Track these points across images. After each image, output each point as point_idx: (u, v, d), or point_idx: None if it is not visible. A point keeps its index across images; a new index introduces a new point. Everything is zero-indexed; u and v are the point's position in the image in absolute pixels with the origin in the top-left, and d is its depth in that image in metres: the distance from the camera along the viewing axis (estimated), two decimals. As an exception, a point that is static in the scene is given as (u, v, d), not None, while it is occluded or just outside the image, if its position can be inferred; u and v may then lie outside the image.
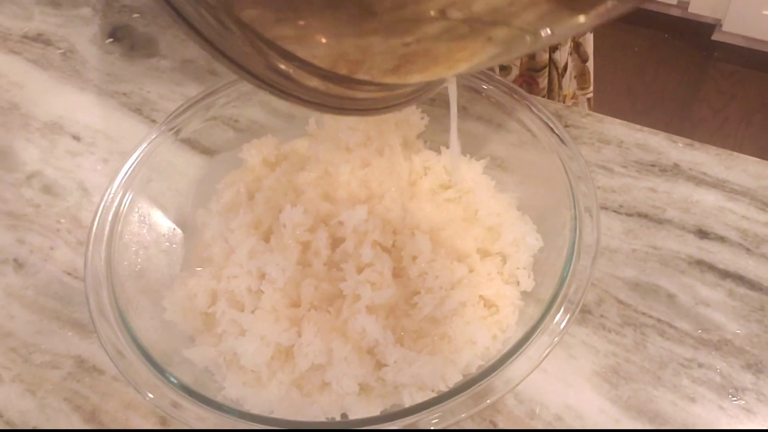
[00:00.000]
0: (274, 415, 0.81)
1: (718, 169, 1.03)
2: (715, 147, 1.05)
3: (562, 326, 0.76)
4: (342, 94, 0.65)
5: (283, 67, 0.61)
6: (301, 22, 0.57)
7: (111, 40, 1.33)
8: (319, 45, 0.60)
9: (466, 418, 0.74)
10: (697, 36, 2.99)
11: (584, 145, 1.07)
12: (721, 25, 2.83)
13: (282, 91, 0.62)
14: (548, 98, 1.43)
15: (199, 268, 0.93)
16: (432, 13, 0.50)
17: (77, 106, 1.23)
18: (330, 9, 0.55)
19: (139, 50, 1.31)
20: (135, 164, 0.94)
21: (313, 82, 0.63)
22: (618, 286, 0.94)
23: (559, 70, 1.40)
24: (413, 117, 1.01)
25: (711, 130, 2.80)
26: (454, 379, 0.82)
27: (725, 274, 0.94)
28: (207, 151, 1.04)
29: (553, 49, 1.38)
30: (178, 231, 0.98)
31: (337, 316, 0.85)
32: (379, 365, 0.84)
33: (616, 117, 1.11)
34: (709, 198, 1.00)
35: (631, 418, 0.84)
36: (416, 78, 0.68)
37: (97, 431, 0.89)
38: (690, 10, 2.87)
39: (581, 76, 1.49)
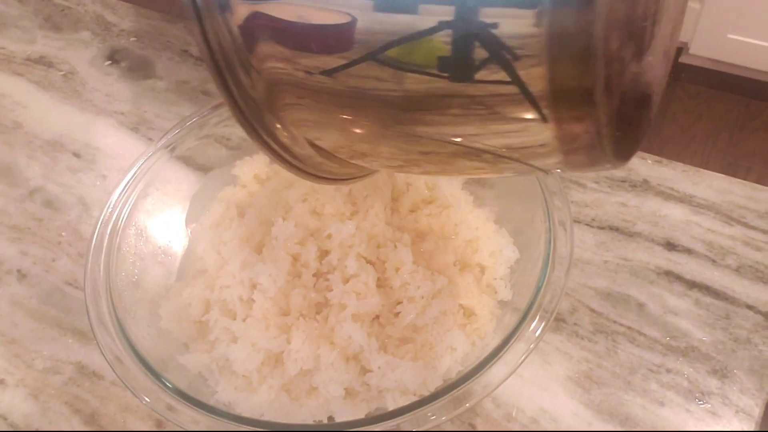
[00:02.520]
0: (264, 418, 0.81)
1: (686, 185, 1.03)
2: (682, 164, 1.06)
3: (537, 333, 0.76)
4: (319, 165, 0.66)
5: (280, 129, 0.61)
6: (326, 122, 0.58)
7: (110, 62, 1.33)
8: (336, 138, 0.60)
9: (446, 421, 0.74)
10: (665, 59, 2.99)
11: (558, 162, 1.07)
12: (688, 48, 2.84)
13: (269, 148, 0.62)
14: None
15: (194, 279, 0.93)
16: (459, 139, 0.51)
17: (77, 125, 1.23)
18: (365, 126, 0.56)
19: (136, 72, 1.31)
20: (132, 180, 0.94)
21: (305, 150, 0.63)
22: (590, 296, 0.94)
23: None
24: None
25: (678, 147, 2.80)
26: (435, 383, 0.82)
27: (692, 284, 0.94)
28: (201, 168, 1.04)
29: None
30: (173, 243, 0.98)
31: (325, 324, 0.85)
32: (364, 371, 0.84)
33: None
34: (676, 212, 1.01)
35: (603, 421, 0.85)
36: (415, 173, 0.69)
37: (96, 434, 0.89)
38: (659, 34, 2.88)
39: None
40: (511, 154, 0.50)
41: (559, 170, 0.54)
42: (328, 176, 0.68)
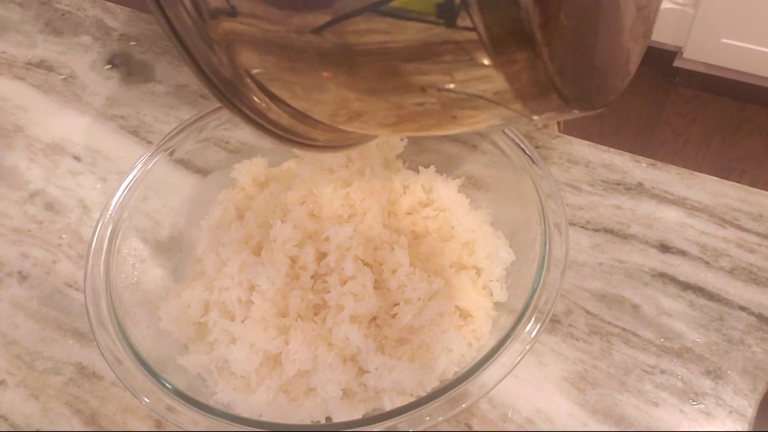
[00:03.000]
0: (262, 419, 0.81)
1: (679, 188, 1.03)
2: (676, 167, 1.06)
3: (533, 335, 0.77)
4: (301, 132, 0.66)
5: (257, 100, 0.62)
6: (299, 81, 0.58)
7: (109, 66, 1.33)
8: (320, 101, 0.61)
9: (442, 422, 0.74)
10: (659, 62, 2.99)
11: (554, 165, 1.07)
12: (682, 53, 2.84)
13: (247, 116, 0.63)
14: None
15: (193, 281, 0.93)
16: (450, 85, 0.51)
17: (78, 129, 1.23)
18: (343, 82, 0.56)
19: (136, 76, 1.31)
20: (132, 183, 0.94)
21: (284, 120, 0.64)
22: (585, 297, 0.94)
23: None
24: (393, 138, 1.01)
25: (672, 151, 2.80)
26: (432, 384, 0.83)
27: (686, 286, 0.94)
28: (200, 171, 1.04)
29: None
30: (173, 246, 0.98)
31: (322, 326, 0.85)
32: (362, 371, 0.84)
33: (584, 139, 1.11)
34: (670, 214, 1.01)
35: (598, 422, 0.85)
36: (411, 131, 0.69)
37: (96, 434, 0.89)
38: (653, 38, 2.88)
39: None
40: (498, 98, 0.50)
41: (536, 117, 0.54)
42: (314, 143, 0.69)
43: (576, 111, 0.51)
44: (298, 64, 0.55)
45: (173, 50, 1.31)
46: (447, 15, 0.44)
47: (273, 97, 0.62)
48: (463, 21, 0.44)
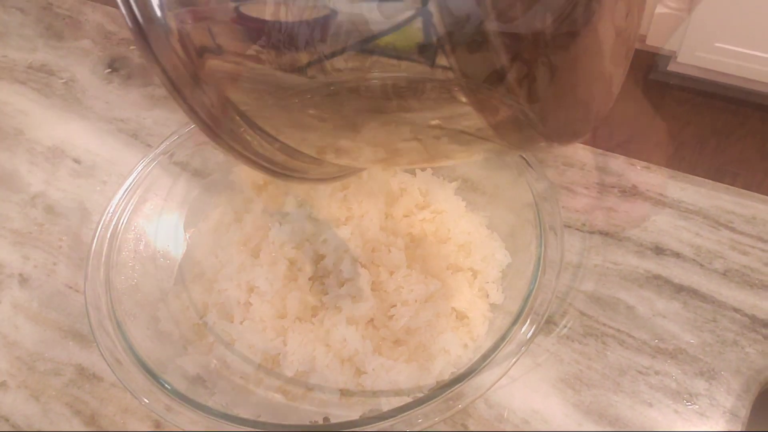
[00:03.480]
0: (261, 419, 0.81)
1: (674, 190, 1.03)
2: (670, 170, 1.06)
3: (528, 336, 0.77)
4: (296, 166, 0.66)
5: (249, 138, 0.62)
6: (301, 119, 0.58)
7: (109, 70, 1.33)
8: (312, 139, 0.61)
9: (439, 422, 0.74)
10: (654, 66, 2.99)
11: (549, 168, 1.07)
12: (676, 57, 2.83)
13: (242, 154, 0.64)
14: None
15: (192, 282, 0.93)
16: (434, 122, 0.51)
17: (78, 132, 1.23)
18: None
19: (136, 80, 1.30)
20: (132, 186, 0.94)
21: (277, 157, 0.64)
22: (581, 299, 0.94)
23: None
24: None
25: (667, 153, 2.80)
26: (429, 385, 0.82)
27: (680, 288, 0.94)
28: (199, 174, 1.04)
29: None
30: (172, 248, 0.98)
31: (320, 327, 0.85)
32: (359, 372, 0.84)
33: (579, 142, 1.11)
34: (665, 217, 1.01)
35: (593, 422, 0.84)
36: (401, 165, 0.69)
37: (96, 435, 0.89)
38: (647, 42, 2.87)
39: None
40: (482, 134, 0.50)
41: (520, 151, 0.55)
42: (309, 177, 0.69)
43: (557, 144, 0.51)
44: (285, 101, 0.55)
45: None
46: (426, 54, 0.44)
47: (265, 135, 0.62)
48: (441, 60, 0.44)
